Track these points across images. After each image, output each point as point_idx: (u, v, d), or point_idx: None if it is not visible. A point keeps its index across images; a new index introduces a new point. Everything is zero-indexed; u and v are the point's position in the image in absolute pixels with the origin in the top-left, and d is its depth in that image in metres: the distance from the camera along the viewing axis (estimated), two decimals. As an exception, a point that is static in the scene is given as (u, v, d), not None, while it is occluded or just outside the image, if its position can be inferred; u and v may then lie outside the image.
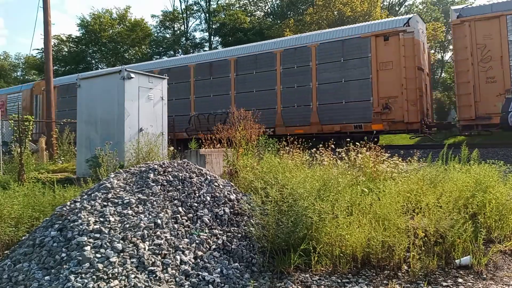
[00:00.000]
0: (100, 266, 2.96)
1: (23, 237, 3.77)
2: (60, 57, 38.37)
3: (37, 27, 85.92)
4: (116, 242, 3.21)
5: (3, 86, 40.50)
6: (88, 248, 3.11)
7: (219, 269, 3.27)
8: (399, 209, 3.84)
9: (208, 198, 4.14)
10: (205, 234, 3.62)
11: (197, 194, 4.17)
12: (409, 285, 3.17)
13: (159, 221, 3.57)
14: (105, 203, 3.72)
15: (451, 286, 3.12)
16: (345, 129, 13.76)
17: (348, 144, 6.35)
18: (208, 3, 40.98)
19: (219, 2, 41.43)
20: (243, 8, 40.58)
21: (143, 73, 8.63)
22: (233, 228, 3.84)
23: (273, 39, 18.64)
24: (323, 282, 3.25)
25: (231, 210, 4.08)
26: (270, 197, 3.79)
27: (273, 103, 15.27)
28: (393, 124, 13.16)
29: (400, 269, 3.42)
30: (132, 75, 7.99)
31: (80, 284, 2.80)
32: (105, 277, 2.90)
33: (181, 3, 45.85)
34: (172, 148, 9.02)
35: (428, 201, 3.94)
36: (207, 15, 41.05)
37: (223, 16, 39.38)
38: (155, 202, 3.85)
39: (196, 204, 4.01)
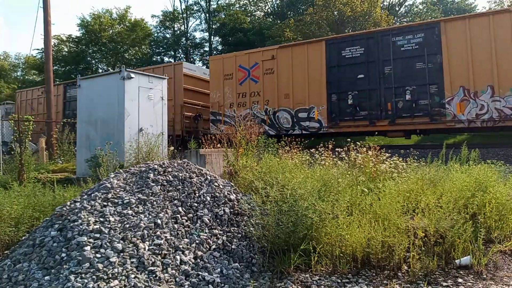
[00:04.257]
0: (100, 266, 2.96)
1: (23, 237, 3.77)
2: (60, 57, 38.27)
3: (37, 27, 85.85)
4: (116, 242, 3.21)
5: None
6: (88, 248, 3.11)
7: (219, 269, 3.27)
8: (399, 209, 3.83)
9: (208, 198, 4.14)
10: (205, 234, 3.62)
11: (197, 194, 4.17)
12: (409, 285, 3.17)
13: (159, 221, 3.57)
14: (105, 203, 3.72)
15: (451, 286, 3.11)
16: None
17: (348, 144, 6.34)
18: (208, 3, 40.93)
19: (219, 2, 41.41)
20: (243, 8, 40.53)
21: (143, 73, 8.65)
22: (233, 228, 3.84)
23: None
24: (323, 282, 3.25)
25: (231, 210, 4.08)
26: (270, 197, 3.79)
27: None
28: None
29: (400, 269, 3.42)
30: (132, 75, 7.99)
31: (80, 284, 2.80)
32: (105, 277, 2.90)
33: (181, 3, 45.86)
34: (172, 148, 9.02)
35: (428, 201, 3.94)
36: (207, 15, 41.01)
37: (223, 16, 39.35)
38: (155, 202, 3.85)
39: (196, 204, 4.00)
